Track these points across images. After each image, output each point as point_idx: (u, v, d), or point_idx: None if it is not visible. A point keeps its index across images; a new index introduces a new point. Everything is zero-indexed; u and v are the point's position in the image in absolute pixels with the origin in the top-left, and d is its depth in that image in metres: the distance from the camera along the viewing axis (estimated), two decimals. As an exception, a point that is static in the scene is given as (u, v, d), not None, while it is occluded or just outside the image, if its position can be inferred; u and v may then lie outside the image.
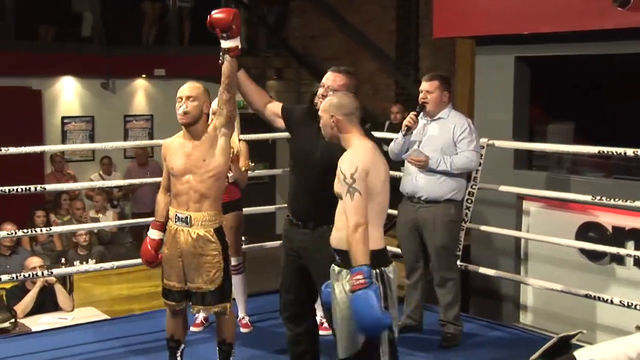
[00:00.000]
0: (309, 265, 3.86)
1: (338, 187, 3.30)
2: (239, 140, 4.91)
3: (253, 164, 5.01)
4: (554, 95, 6.36)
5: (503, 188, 5.47)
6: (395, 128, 8.80)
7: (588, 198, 4.91)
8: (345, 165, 3.27)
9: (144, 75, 11.29)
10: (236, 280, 4.89)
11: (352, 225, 3.18)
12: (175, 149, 3.97)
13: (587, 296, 4.89)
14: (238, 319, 5.03)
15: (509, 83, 6.17)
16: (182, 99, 3.91)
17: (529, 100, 6.30)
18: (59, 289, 6.25)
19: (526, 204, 5.99)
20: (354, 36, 11.25)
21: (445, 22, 6.48)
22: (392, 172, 4.66)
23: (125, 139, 11.12)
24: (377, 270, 3.22)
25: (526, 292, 6.05)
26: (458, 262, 5.15)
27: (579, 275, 5.57)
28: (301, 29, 12.37)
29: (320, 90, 3.90)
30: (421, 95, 4.80)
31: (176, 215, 3.92)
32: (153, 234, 4.06)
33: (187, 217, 3.88)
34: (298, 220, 3.89)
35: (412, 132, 4.79)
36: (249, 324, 5.14)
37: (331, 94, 3.70)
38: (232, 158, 4.70)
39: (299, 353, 4.04)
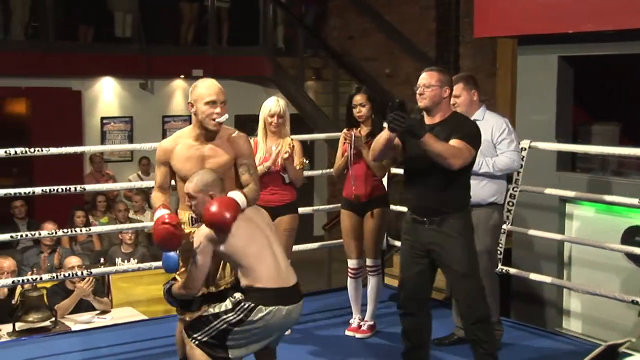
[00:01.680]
0: (440, 258, 3.95)
1: None
2: (291, 139, 4.87)
3: (307, 162, 4.94)
4: (598, 95, 6.24)
5: (545, 190, 5.37)
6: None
7: (634, 201, 4.79)
8: None
9: (182, 76, 11.34)
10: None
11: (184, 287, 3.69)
12: (185, 151, 3.79)
13: (633, 302, 4.76)
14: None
15: (552, 83, 6.06)
16: (216, 103, 3.70)
17: (572, 100, 6.18)
18: (96, 302, 6.21)
19: (569, 207, 5.88)
20: (393, 36, 11.18)
21: (486, 21, 6.39)
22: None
23: (164, 139, 11.16)
24: (249, 304, 3.50)
25: (569, 297, 5.94)
26: (499, 267, 5.04)
27: (624, 280, 5.45)
28: (340, 29, 12.33)
29: (418, 90, 3.95)
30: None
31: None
32: (163, 211, 3.71)
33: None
34: (423, 217, 3.95)
35: None
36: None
37: (428, 92, 3.89)
38: (287, 158, 4.74)
39: (414, 345, 4.14)
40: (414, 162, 3.99)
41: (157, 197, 3.90)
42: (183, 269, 3.76)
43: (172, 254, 3.65)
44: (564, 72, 6.09)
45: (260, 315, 3.49)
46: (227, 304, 3.56)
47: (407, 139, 3.91)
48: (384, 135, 3.92)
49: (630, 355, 2.64)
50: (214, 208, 3.48)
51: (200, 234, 3.55)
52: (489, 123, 4.63)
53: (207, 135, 3.76)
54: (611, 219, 5.56)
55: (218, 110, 3.69)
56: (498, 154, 4.63)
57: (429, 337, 4.21)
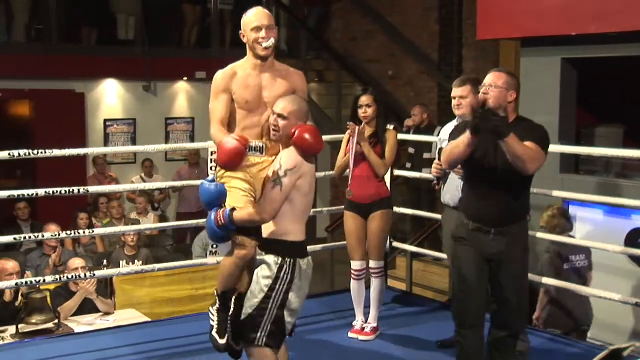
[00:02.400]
0: (501, 267, 3.83)
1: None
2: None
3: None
4: (602, 97, 6.23)
5: (549, 192, 5.35)
6: (416, 130, 8.69)
7: (638, 203, 4.78)
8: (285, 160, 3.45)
9: (185, 78, 11.35)
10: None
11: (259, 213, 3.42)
12: (244, 79, 3.80)
13: (637, 305, 4.75)
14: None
15: (555, 85, 6.07)
16: (262, 28, 3.75)
17: (576, 102, 6.18)
18: (100, 302, 6.23)
19: (573, 209, 5.87)
20: (396, 38, 11.17)
21: (489, 23, 6.40)
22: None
23: (167, 141, 11.19)
24: (291, 260, 3.43)
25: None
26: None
27: (628, 282, 5.44)
28: (342, 31, 12.33)
29: (482, 90, 3.82)
30: (455, 102, 4.55)
31: (248, 145, 3.62)
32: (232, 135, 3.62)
33: (262, 146, 3.77)
34: (490, 227, 3.81)
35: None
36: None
37: (492, 92, 3.75)
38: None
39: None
40: (481, 168, 3.80)
41: (220, 130, 3.79)
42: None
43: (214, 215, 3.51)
44: (568, 74, 6.09)
45: (303, 268, 3.47)
46: (266, 274, 3.43)
47: (479, 143, 3.72)
48: (464, 139, 3.70)
49: (635, 359, 2.62)
50: (309, 134, 3.41)
51: (293, 157, 3.43)
52: None
53: (263, 65, 3.80)
54: (615, 221, 5.56)
55: (263, 34, 3.73)
56: None
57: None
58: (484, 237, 3.81)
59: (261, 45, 3.73)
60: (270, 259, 3.46)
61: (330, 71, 11.45)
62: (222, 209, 3.51)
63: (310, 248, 5.77)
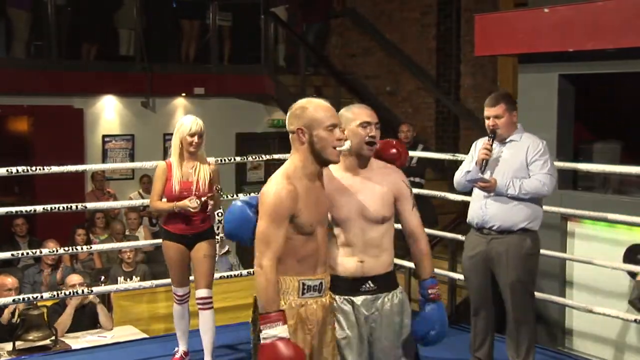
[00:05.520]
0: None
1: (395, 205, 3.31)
2: (212, 164, 4.78)
3: (220, 187, 4.78)
4: (599, 114, 6.24)
5: (547, 208, 5.34)
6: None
7: (636, 219, 4.78)
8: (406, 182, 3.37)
9: (183, 94, 11.37)
10: (206, 317, 4.71)
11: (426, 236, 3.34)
12: (308, 194, 2.99)
13: (636, 321, 4.75)
14: None
15: (553, 101, 6.07)
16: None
17: (574, 118, 6.19)
18: (101, 309, 6.27)
19: (571, 225, 5.87)
20: (394, 54, 11.23)
21: (486, 39, 6.42)
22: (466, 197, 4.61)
23: (165, 157, 11.15)
24: None
25: (572, 316, 5.91)
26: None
27: (627, 299, 5.42)
28: (341, 47, 12.38)
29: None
30: (489, 122, 4.38)
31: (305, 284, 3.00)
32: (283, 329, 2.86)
33: (320, 283, 3.05)
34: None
35: (487, 164, 4.37)
36: None
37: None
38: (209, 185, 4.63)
39: None
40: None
41: (275, 287, 2.89)
42: None
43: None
44: (565, 90, 6.10)
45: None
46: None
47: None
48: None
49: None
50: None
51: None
52: (526, 143, 4.39)
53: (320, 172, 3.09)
54: (613, 237, 5.54)
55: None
56: (530, 176, 4.33)
57: None
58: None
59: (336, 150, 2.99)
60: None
61: (329, 87, 11.49)
62: None
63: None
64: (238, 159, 6.33)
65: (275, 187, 2.89)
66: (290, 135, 2.99)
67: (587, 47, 5.57)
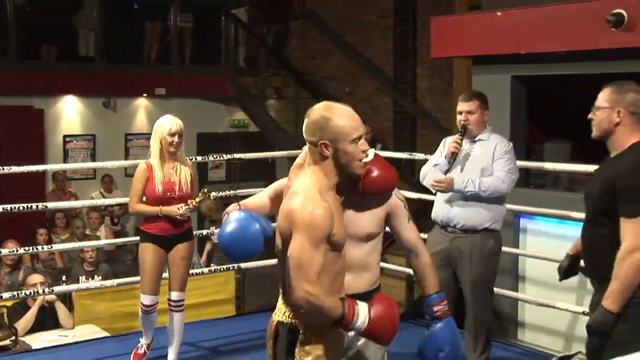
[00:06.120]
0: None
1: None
2: (189, 165, 4.77)
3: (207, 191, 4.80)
4: (550, 114, 6.42)
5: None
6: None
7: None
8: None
9: (144, 95, 11.37)
10: (177, 318, 4.73)
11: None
12: (337, 208, 2.76)
13: (584, 313, 4.91)
14: None
15: (506, 102, 6.23)
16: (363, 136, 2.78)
17: (526, 119, 6.36)
18: (59, 307, 6.28)
19: (523, 222, 6.03)
20: (354, 56, 11.35)
21: (442, 42, 6.56)
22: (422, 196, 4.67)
23: (127, 157, 11.19)
24: None
25: (524, 309, 6.07)
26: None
27: (576, 292, 5.60)
28: (301, 49, 12.47)
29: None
30: (461, 117, 4.44)
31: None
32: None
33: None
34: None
35: (456, 158, 4.43)
36: None
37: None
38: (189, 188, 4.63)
39: None
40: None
41: (335, 301, 2.69)
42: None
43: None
44: (517, 91, 6.26)
45: None
46: None
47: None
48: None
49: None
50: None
51: None
52: (493, 142, 4.45)
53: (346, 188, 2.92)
54: (563, 233, 5.71)
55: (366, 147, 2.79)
56: (493, 173, 4.40)
57: None
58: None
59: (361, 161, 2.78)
60: None
61: (288, 88, 11.58)
62: None
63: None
64: (199, 158, 6.39)
65: (312, 206, 2.61)
66: (308, 145, 2.73)
67: (538, 50, 5.74)
